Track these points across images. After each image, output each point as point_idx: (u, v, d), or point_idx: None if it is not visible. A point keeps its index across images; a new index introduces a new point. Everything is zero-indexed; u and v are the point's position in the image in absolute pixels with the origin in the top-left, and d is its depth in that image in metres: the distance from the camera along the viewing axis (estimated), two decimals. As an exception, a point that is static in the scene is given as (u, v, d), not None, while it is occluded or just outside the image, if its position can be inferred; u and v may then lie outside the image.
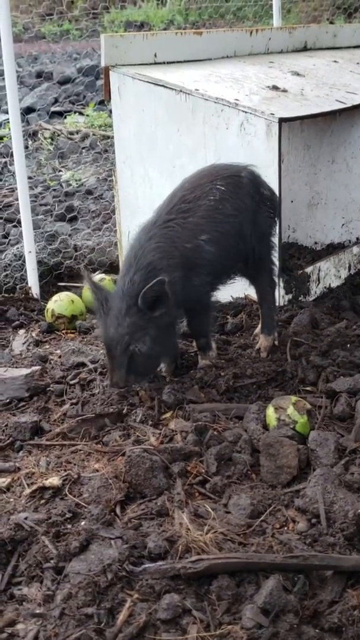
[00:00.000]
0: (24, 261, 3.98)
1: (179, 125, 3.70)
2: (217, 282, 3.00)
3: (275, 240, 3.19)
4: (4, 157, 7.12)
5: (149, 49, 4.01)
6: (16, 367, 3.11)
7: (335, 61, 4.65)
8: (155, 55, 4.03)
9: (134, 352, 2.68)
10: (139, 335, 2.67)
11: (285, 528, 2.14)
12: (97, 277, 3.80)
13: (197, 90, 3.61)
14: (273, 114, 3.38)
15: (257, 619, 1.80)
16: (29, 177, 5.53)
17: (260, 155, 3.43)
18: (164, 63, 4.05)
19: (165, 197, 2.92)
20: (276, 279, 3.23)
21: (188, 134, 3.67)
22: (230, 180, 2.94)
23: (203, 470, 2.38)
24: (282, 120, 3.37)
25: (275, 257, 3.18)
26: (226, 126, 3.53)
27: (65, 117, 8.67)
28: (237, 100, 3.50)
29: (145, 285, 2.60)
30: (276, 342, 3.15)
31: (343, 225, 4.24)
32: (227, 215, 2.87)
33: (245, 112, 3.45)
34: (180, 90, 3.65)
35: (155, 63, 4.03)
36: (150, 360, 2.78)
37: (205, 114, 3.58)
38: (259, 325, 3.21)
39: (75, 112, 9.04)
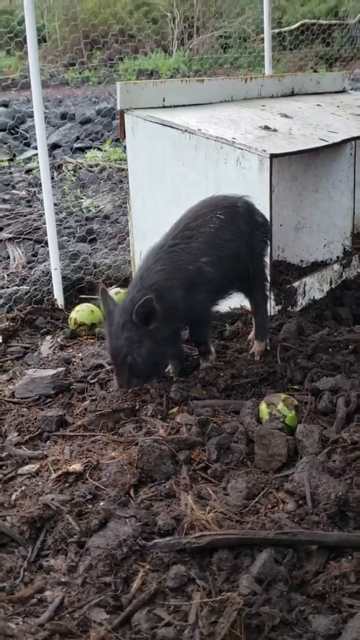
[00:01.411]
0: (51, 277, 3.98)
1: (184, 160, 3.71)
2: (217, 297, 3.01)
3: (267, 259, 3.20)
4: (34, 187, 7.15)
5: (158, 94, 4.03)
6: (44, 368, 3.11)
7: (318, 104, 4.66)
8: (163, 100, 4.05)
9: (132, 362, 2.70)
10: (135, 347, 2.68)
11: (276, 508, 2.13)
12: (113, 290, 3.80)
13: (200, 130, 3.62)
14: (265, 151, 3.39)
15: (252, 587, 1.80)
16: (55, 204, 5.53)
17: (254, 186, 3.43)
18: (171, 106, 4.06)
19: (172, 223, 2.92)
20: (268, 293, 3.23)
21: (192, 168, 3.68)
22: (228, 210, 2.94)
23: (205, 458, 2.38)
24: (272, 156, 3.38)
25: (267, 274, 3.18)
26: (224, 161, 3.54)
27: (85, 152, 8.71)
28: (234, 138, 3.51)
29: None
30: (268, 347, 3.15)
31: (325, 245, 4.24)
32: (226, 240, 2.88)
33: (241, 149, 3.46)
34: (185, 130, 3.66)
35: (164, 106, 4.04)
36: (148, 368, 2.78)
37: (207, 150, 3.60)
38: (252, 332, 3.21)
39: (94, 148, 9.08)
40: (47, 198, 3.87)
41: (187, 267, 2.78)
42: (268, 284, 3.20)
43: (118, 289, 3.80)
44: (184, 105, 4.14)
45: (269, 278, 3.20)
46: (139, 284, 2.71)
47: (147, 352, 2.70)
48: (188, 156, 3.68)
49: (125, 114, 3.90)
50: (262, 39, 6.09)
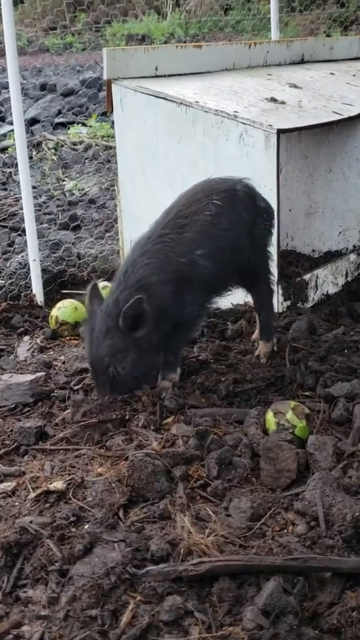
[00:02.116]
0: (29, 269, 3.98)
1: (180, 136, 3.71)
2: (211, 296, 2.98)
3: (271, 249, 3.18)
4: (9, 167, 7.14)
5: (150, 62, 4.02)
6: (21, 373, 3.11)
7: (332, 73, 4.66)
8: (156, 69, 4.05)
9: (114, 373, 2.65)
10: (119, 357, 2.63)
11: (285, 531, 2.13)
12: (101, 284, 3.80)
13: (197, 102, 3.62)
14: (271, 126, 3.39)
15: (258, 620, 1.79)
16: (33, 187, 5.54)
17: (259, 166, 3.44)
18: (164, 76, 4.07)
19: (166, 208, 2.90)
20: (274, 287, 3.23)
21: (188, 145, 3.68)
22: (226, 194, 2.91)
23: (204, 474, 2.37)
24: (280, 132, 3.38)
25: (272, 267, 3.18)
26: (226, 137, 3.54)
27: (68, 128, 8.69)
28: (236, 112, 3.51)
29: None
30: (275, 348, 3.15)
31: (340, 233, 4.24)
32: (223, 230, 2.85)
33: (244, 124, 3.46)
34: (181, 103, 3.66)
35: (156, 76, 4.04)
36: (132, 380, 2.74)
37: (205, 125, 3.59)
38: (257, 332, 3.21)
39: (78, 124, 9.07)
40: (24, 180, 3.86)
41: (178, 260, 2.74)
42: (273, 278, 3.20)
43: (106, 283, 3.80)
44: (179, 75, 4.15)
45: (274, 271, 3.20)
46: (123, 281, 2.67)
47: (132, 363, 2.65)
48: (184, 132, 3.68)
49: (112, 85, 3.90)
50: (268, -1, 6.08)
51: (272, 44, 4.91)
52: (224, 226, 2.85)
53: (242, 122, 3.46)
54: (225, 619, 1.81)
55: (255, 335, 3.23)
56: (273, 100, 3.80)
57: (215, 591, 1.88)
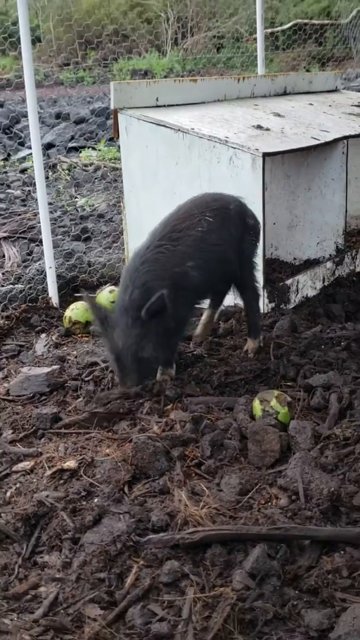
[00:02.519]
0: (45, 275, 3.97)
1: (178, 159, 3.70)
2: (200, 299, 3.01)
3: (257, 260, 3.18)
4: (28, 186, 7.12)
5: (151, 94, 4.01)
6: (38, 366, 3.10)
7: (310, 104, 4.65)
8: (157, 100, 4.04)
9: (141, 358, 2.65)
10: (144, 344, 2.63)
11: (269, 504, 2.13)
12: (108, 288, 3.79)
13: (193, 129, 3.62)
14: (258, 150, 3.38)
15: (246, 581, 1.80)
16: (49, 203, 5.52)
17: (247, 185, 3.43)
18: (164, 106, 4.05)
19: (161, 221, 2.87)
20: (259, 293, 3.22)
21: (185, 166, 3.68)
22: (218, 212, 2.89)
23: (199, 454, 2.38)
24: (265, 155, 3.38)
25: (258, 275, 3.17)
26: (218, 160, 3.54)
27: (80, 152, 8.68)
28: (227, 137, 3.51)
29: (144, 301, 2.57)
30: (261, 344, 3.15)
31: (318, 244, 4.23)
32: (213, 245, 2.82)
33: (234, 148, 3.45)
34: (179, 129, 3.65)
35: (157, 106, 4.03)
36: (152, 362, 2.75)
37: (200, 149, 3.59)
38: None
39: (88, 148, 9.05)
40: (41, 197, 3.85)
41: (173, 269, 2.72)
42: (259, 284, 3.19)
43: (112, 287, 3.79)
44: (177, 105, 4.13)
45: (260, 277, 3.19)
46: (131, 285, 2.65)
47: (153, 346, 2.66)
48: (181, 155, 3.67)
49: (119, 114, 3.89)
50: (255, 39, 6.07)
51: (259, 78, 4.90)
52: (214, 241, 2.83)
53: (232, 147, 3.46)
54: (217, 580, 1.82)
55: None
56: (259, 127, 3.79)
57: (208, 556, 1.89)
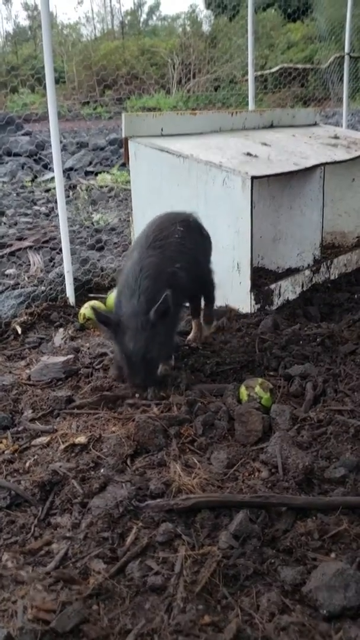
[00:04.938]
0: (64, 278, 3.95)
1: (179, 180, 3.68)
2: (186, 297, 3.01)
3: (245, 269, 3.19)
4: (51, 203, 7.12)
5: (157, 125, 4.00)
6: (56, 356, 3.08)
7: (293, 135, 4.63)
8: (161, 130, 4.02)
9: (150, 358, 2.53)
10: (152, 345, 2.51)
11: (252, 476, 2.11)
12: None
13: (192, 155, 3.60)
14: (247, 173, 3.36)
15: (230, 542, 1.77)
16: (69, 218, 5.51)
17: (238, 203, 3.41)
18: (168, 135, 4.04)
19: (141, 236, 2.81)
20: (215, 293, 3.19)
21: (185, 187, 3.66)
22: (184, 223, 2.91)
23: (192, 433, 2.35)
24: (253, 178, 3.36)
25: (213, 279, 3.14)
26: (213, 181, 3.52)
27: (97, 175, 8.68)
28: (221, 162, 3.49)
29: (151, 303, 2.48)
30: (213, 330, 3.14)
31: (298, 254, 4.21)
32: (189, 249, 2.83)
33: (227, 172, 3.43)
34: (180, 155, 3.63)
35: (162, 135, 4.01)
36: (158, 361, 2.64)
37: (198, 172, 3.57)
38: (201, 319, 3.20)
39: (104, 172, 9.05)
40: (62, 212, 3.84)
41: (166, 270, 2.68)
42: (214, 287, 3.16)
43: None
44: (179, 135, 4.12)
45: (214, 283, 3.14)
46: (137, 290, 2.55)
47: (159, 347, 2.55)
48: (182, 177, 3.66)
49: (129, 141, 3.87)
50: (247, 80, 6.05)
51: (249, 112, 4.88)
52: (189, 246, 2.84)
53: (225, 170, 3.44)
54: (205, 540, 1.80)
55: (200, 321, 3.21)
56: (249, 154, 3.77)
57: (198, 520, 1.87)
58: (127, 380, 2.65)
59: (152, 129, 3.97)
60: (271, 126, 4.95)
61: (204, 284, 3.13)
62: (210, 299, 3.21)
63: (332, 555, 1.75)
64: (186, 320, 3.34)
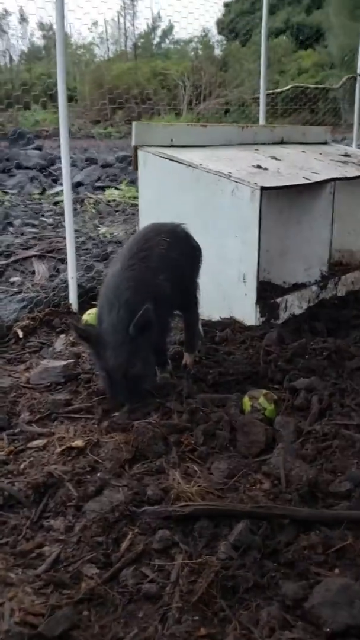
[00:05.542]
0: (67, 285, 3.93)
1: (187, 190, 3.67)
2: (173, 308, 2.86)
3: (251, 281, 3.07)
4: (59, 216, 7.13)
5: (167, 135, 4.00)
6: (56, 360, 3.03)
7: (303, 151, 4.64)
8: (171, 140, 4.02)
9: (132, 374, 2.41)
10: (134, 360, 2.41)
11: (254, 487, 2.04)
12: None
13: (201, 165, 3.59)
14: (256, 184, 3.35)
15: (229, 552, 1.70)
16: (76, 230, 5.49)
17: (246, 214, 3.39)
18: (178, 146, 4.04)
19: (125, 247, 2.74)
20: (199, 312, 3.06)
21: (194, 197, 3.64)
22: (171, 233, 2.80)
23: (193, 442, 2.29)
24: (263, 189, 3.34)
25: (198, 296, 3.02)
26: (221, 192, 3.50)
27: (105, 190, 8.72)
28: (230, 173, 3.48)
29: (131, 317, 2.37)
30: (197, 358, 2.98)
31: (305, 270, 4.18)
32: (174, 260, 2.72)
33: (236, 182, 3.42)
34: (189, 165, 3.62)
35: (172, 145, 4.01)
36: (143, 378, 2.51)
37: (207, 182, 3.56)
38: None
39: (112, 187, 9.10)
40: (68, 224, 3.85)
41: (149, 282, 2.56)
42: (196, 304, 3.03)
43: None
44: (188, 146, 4.11)
45: (199, 300, 3.04)
46: (116, 303, 2.43)
47: (142, 361, 2.45)
48: (191, 186, 3.64)
49: (138, 150, 3.88)
50: (258, 98, 6.10)
51: (260, 127, 4.90)
52: (174, 256, 2.72)
53: (234, 181, 3.43)
54: (204, 550, 1.73)
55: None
56: (258, 167, 3.76)
57: (197, 528, 1.80)
58: (108, 396, 2.55)
59: (162, 138, 3.98)
60: (281, 142, 4.96)
61: (187, 298, 2.95)
62: (192, 316, 3.00)
63: (336, 570, 1.68)
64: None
